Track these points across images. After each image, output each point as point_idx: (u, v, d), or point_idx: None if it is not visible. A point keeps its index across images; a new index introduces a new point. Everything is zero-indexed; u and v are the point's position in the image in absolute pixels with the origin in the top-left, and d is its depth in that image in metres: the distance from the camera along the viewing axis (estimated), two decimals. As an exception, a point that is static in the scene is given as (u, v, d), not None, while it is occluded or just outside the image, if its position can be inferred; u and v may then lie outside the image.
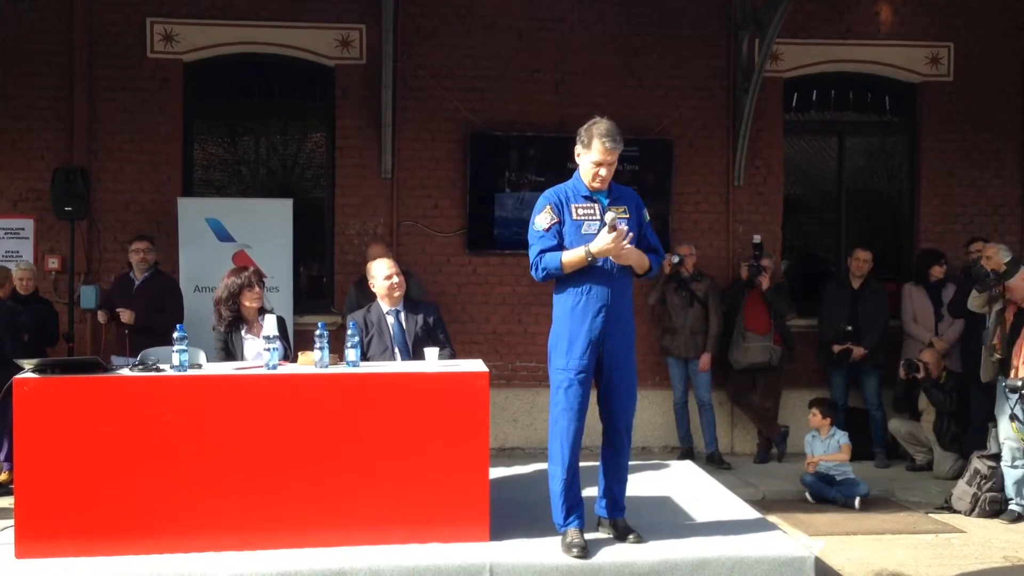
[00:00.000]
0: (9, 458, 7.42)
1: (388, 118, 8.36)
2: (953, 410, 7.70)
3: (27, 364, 4.58)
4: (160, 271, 7.72)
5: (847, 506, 6.99)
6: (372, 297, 5.85)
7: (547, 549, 4.56)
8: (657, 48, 8.85)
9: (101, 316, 7.56)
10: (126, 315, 7.36)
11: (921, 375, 7.76)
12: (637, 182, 8.62)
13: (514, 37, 8.74)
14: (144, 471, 4.44)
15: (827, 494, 7.13)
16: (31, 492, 4.39)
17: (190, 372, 4.69)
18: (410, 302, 5.75)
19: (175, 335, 4.71)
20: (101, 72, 8.38)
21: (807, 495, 7.23)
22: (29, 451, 4.39)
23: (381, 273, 5.64)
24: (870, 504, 7.04)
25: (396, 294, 5.61)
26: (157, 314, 7.29)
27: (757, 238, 8.35)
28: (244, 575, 4.24)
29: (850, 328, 8.33)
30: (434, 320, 5.68)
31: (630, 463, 4.95)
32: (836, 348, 8.34)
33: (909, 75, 9.15)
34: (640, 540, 4.63)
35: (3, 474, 7.36)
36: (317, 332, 4.78)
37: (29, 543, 4.35)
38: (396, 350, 5.59)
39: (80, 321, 8.18)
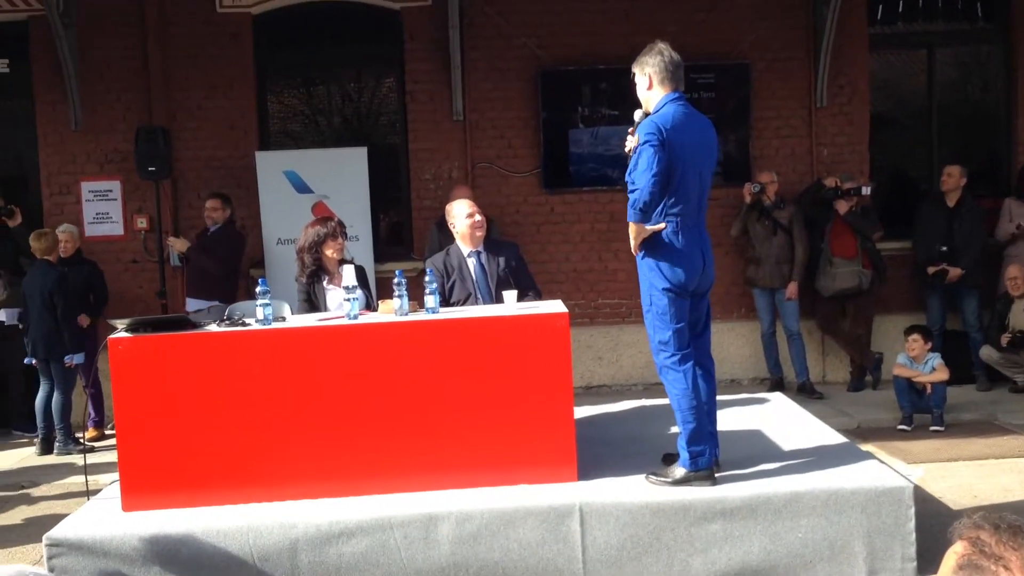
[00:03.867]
0: (98, 414, 7.71)
1: (457, 60, 8.26)
2: None
3: (120, 324, 4.70)
4: (229, 225, 7.96)
5: (935, 421, 6.92)
6: (453, 238, 5.83)
7: (636, 487, 4.53)
8: (730, -33, 8.52)
9: (173, 242, 8.04)
10: (178, 243, 7.89)
11: None
12: (714, 110, 8.37)
13: (580, -35, 8.51)
14: (237, 423, 4.55)
15: (917, 402, 7.04)
16: (132, 448, 4.54)
17: (274, 325, 4.75)
18: (491, 243, 5.71)
19: (258, 290, 4.78)
20: (173, 30, 8.45)
21: (898, 402, 7.08)
22: (127, 408, 4.53)
23: (462, 212, 5.59)
24: (972, 428, 6.84)
25: (479, 233, 5.57)
26: (202, 254, 7.77)
27: (867, 190, 7.97)
28: (339, 521, 4.33)
29: (945, 248, 8.01)
30: (516, 261, 5.63)
31: (718, 397, 4.86)
32: (931, 269, 8.05)
33: (999, -23, 8.64)
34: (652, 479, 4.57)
35: (91, 431, 7.65)
36: (395, 280, 4.79)
37: (134, 496, 4.51)
38: (479, 294, 5.57)
39: (172, 278, 8.39)
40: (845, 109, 8.65)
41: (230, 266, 7.84)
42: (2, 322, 7.75)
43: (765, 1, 8.54)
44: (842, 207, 7.95)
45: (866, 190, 7.96)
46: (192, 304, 7.57)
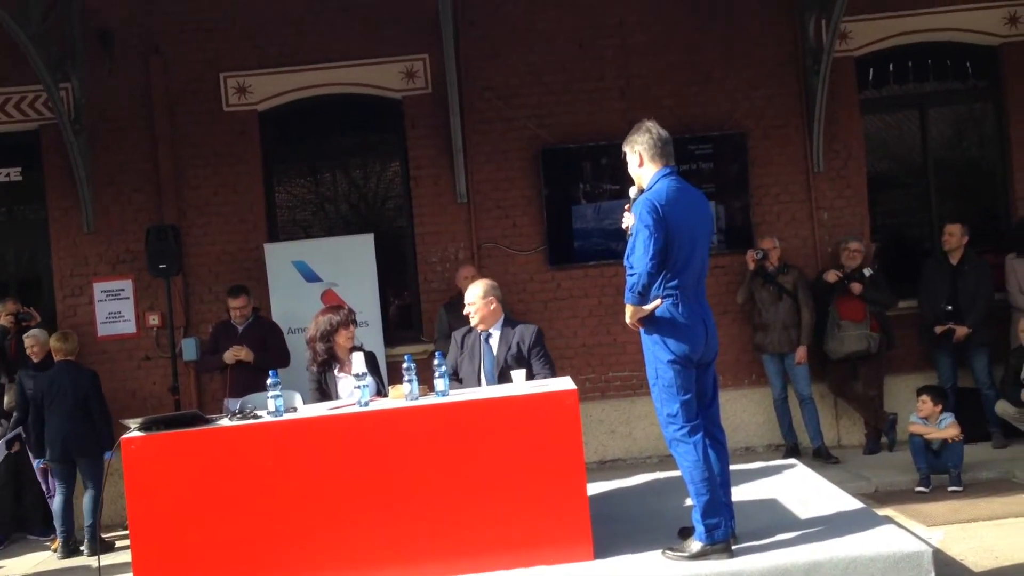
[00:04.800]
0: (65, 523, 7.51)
1: (459, 143, 8.44)
2: None
3: (132, 423, 4.76)
4: (260, 316, 7.96)
5: (953, 481, 6.85)
6: (463, 319, 5.94)
7: (653, 563, 4.51)
8: (721, 41, 8.72)
9: (229, 356, 7.64)
10: (243, 352, 7.61)
11: None
12: (714, 179, 8.55)
13: (575, 47, 8.73)
14: (252, 517, 4.57)
15: (934, 463, 6.98)
16: (147, 547, 4.55)
17: (286, 416, 4.80)
18: (510, 324, 5.80)
19: (269, 381, 4.84)
20: (181, 130, 8.68)
21: (914, 463, 7.01)
22: (141, 507, 4.56)
23: (466, 298, 5.78)
24: (990, 487, 6.78)
25: (472, 321, 5.74)
26: (263, 354, 7.59)
27: (868, 271, 8.03)
28: (355, 612, 4.31)
29: (950, 308, 8.02)
30: (529, 344, 5.67)
31: (731, 467, 4.86)
32: (938, 329, 8.05)
33: (988, 38, 8.80)
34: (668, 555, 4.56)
35: (55, 542, 7.53)
36: (404, 366, 4.86)
37: (150, 596, 4.51)
38: (483, 375, 5.64)
39: (184, 373, 8.46)
40: (842, 172, 8.77)
41: (286, 355, 7.77)
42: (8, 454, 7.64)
43: (757, 72, 8.73)
44: (857, 289, 7.98)
45: (868, 271, 8.00)
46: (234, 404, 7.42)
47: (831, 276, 8.05)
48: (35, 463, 7.56)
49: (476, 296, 5.71)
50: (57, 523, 7.41)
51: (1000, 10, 8.73)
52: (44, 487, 7.64)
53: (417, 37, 8.64)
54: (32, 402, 7.41)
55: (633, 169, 4.68)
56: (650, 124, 4.65)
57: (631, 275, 4.44)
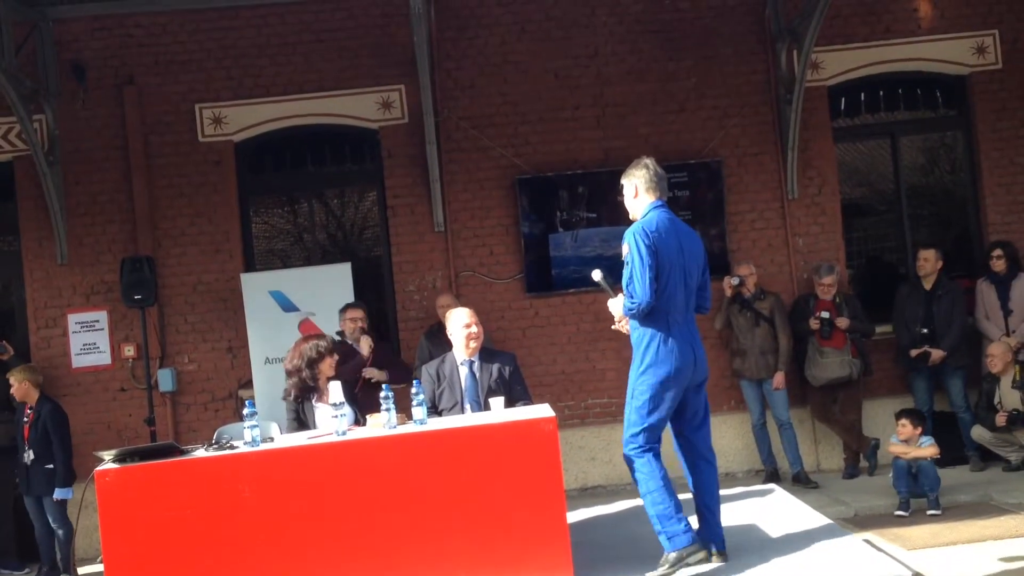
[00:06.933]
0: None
1: (435, 173, 8.46)
2: None
3: (106, 455, 4.70)
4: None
5: (932, 505, 6.88)
6: (444, 347, 5.88)
7: (633, 590, 4.49)
8: (695, 71, 8.82)
9: (374, 373, 7.02)
10: (376, 373, 7.03)
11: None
12: (690, 207, 8.60)
13: (551, 78, 8.80)
14: (229, 548, 4.50)
15: (913, 487, 7.01)
16: (122, 580, 4.48)
17: (263, 447, 4.75)
18: (487, 352, 5.78)
19: (245, 411, 4.80)
20: (156, 161, 8.65)
21: (894, 485, 7.03)
22: (116, 541, 4.48)
23: (460, 321, 5.70)
24: (969, 510, 6.80)
25: (473, 344, 5.67)
26: (391, 370, 7.18)
27: (826, 314, 8.05)
28: (334, 644, 4.25)
29: (926, 331, 8.09)
30: (510, 371, 5.68)
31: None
32: (913, 352, 8.11)
33: (957, 68, 8.96)
34: None
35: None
36: (382, 394, 4.83)
37: (124, 631, 4.43)
38: (467, 403, 5.60)
39: (160, 404, 8.38)
40: (817, 199, 8.86)
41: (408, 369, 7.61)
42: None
43: (731, 101, 8.82)
44: (843, 323, 8.04)
45: (842, 323, 8.05)
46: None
47: (814, 325, 8.09)
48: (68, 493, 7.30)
49: (474, 319, 5.69)
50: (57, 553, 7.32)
51: (968, 40, 8.89)
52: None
53: (393, 68, 8.69)
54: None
55: (628, 200, 4.92)
56: (648, 161, 4.93)
57: (633, 302, 4.64)
